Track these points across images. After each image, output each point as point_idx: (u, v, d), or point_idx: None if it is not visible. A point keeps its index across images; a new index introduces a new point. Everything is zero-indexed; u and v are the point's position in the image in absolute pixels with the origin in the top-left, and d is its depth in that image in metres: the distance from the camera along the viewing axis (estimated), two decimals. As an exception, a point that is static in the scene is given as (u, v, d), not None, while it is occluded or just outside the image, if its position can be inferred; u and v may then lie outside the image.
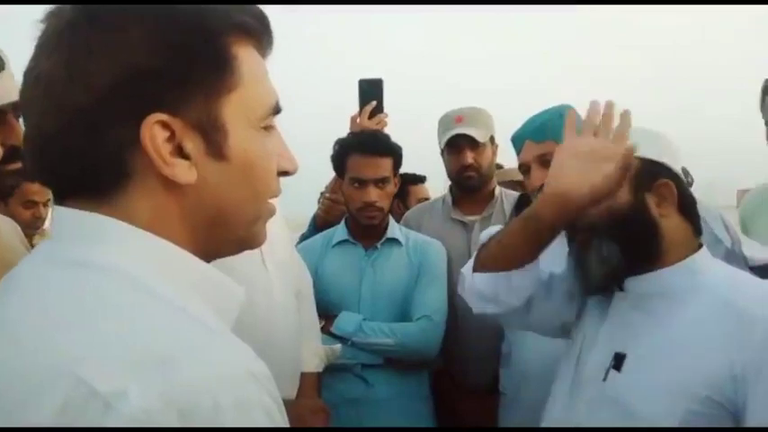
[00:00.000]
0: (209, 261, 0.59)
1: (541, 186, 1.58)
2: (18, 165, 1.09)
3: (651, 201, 1.05)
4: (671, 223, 1.05)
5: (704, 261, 1.06)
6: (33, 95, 0.53)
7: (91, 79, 0.50)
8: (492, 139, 2.06)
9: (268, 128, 0.59)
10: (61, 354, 0.45)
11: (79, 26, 0.51)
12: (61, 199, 0.55)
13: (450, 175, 2.08)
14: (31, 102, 0.54)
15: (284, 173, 0.62)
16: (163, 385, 0.43)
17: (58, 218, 0.55)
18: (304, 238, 2.19)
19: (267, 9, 0.60)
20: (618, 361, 1.02)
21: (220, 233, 0.58)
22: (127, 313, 0.48)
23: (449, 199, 2.13)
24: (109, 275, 0.50)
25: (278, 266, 1.43)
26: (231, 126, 0.54)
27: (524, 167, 1.66)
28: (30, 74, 0.54)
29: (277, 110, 0.60)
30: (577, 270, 1.10)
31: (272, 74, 0.61)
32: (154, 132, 0.50)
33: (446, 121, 2.04)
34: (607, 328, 1.09)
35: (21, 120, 1.08)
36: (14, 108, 1.07)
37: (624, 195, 1.04)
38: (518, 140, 1.68)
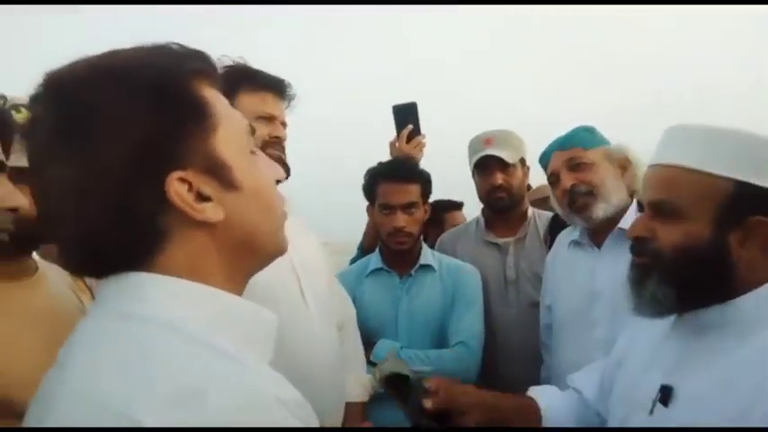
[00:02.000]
0: (249, 278, 0.66)
1: (571, 187, 1.61)
2: None
3: (735, 239, 0.88)
4: (750, 260, 0.89)
5: None
6: (56, 199, 0.56)
7: (108, 168, 0.54)
8: (523, 161, 2.06)
9: (253, 151, 0.65)
10: (109, 396, 0.51)
11: (73, 126, 0.54)
12: (105, 274, 0.59)
13: (480, 197, 2.09)
14: (54, 205, 0.57)
15: (277, 182, 0.70)
16: (200, 416, 0.49)
17: (102, 284, 0.60)
18: (353, 261, 2.24)
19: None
20: (665, 394, 0.92)
21: (254, 252, 0.64)
22: (164, 357, 0.53)
23: (482, 222, 2.13)
24: (148, 325, 0.55)
25: (318, 300, 1.44)
26: (229, 159, 0.60)
27: (554, 177, 1.67)
28: (44, 181, 0.56)
29: (252, 131, 0.66)
30: (631, 290, 1.00)
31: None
32: (177, 189, 0.56)
33: (475, 144, 2.06)
34: (659, 355, 1.00)
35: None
36: None
37: (703, 230, 0.89)
38: (546, 156, 1.72)
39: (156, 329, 0.55)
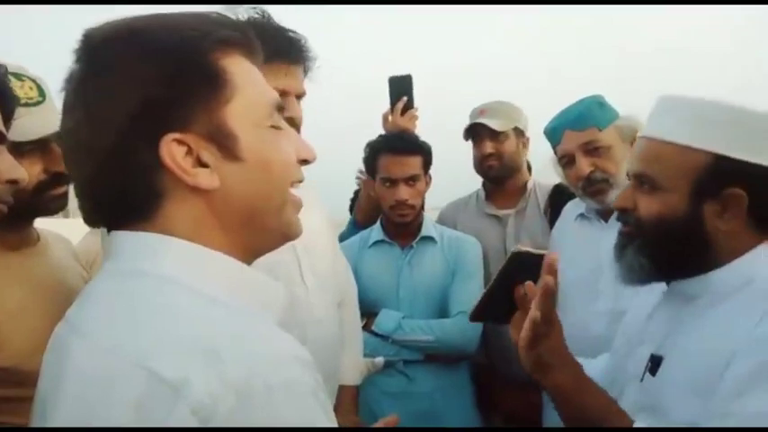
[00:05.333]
0: (256, 257, 0.65)
1: (589, 174, 1.58)
2: (63, 189, 1.13)
3: (710, 211, 0.91)
4: (729, 233, 0.91)
5: (761, 257, 0.92)
6: (68, 148, 0.60)
7: (110, 122, 0.56)
8: (518, 130, 2.05)
9: (275, 125, 0.64)
10: (130, 350, 0.50)
11: (88, 80, 0.58)
12: (112, 228, 0.62)
13: (474, 167, 2.10)
14: (68, 154, 0.61)
15: (304, 161, 0.68)
16: (220, 371, 0.48)
17: (111, 241, 0.61)
18: (342, 238, 2.20)
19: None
20: (654, 363, 0.96)
21: (256, 227, 0.63)
22: (180, 312, 0.54)
23: (482, 194, 2.14)
24: (160, 282, 0.56)
25: (319, 280, 1.39)
26: (239, 130, 0.60)
27: (567, 158, 1.63)
28: (62, 130, 0.60)
29: (279, 107, 0.65)
30: (614, 258, 1.03)
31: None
32: (172, 150, 0.56)
33: (471, 114, 2.07)
34: (651, 326, 1.04)
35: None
36: (58, 137, 1.10)
37: (679, 202, 0.92)
38: (556, 131, 1.65)
39: (168, 286, 0.56)
